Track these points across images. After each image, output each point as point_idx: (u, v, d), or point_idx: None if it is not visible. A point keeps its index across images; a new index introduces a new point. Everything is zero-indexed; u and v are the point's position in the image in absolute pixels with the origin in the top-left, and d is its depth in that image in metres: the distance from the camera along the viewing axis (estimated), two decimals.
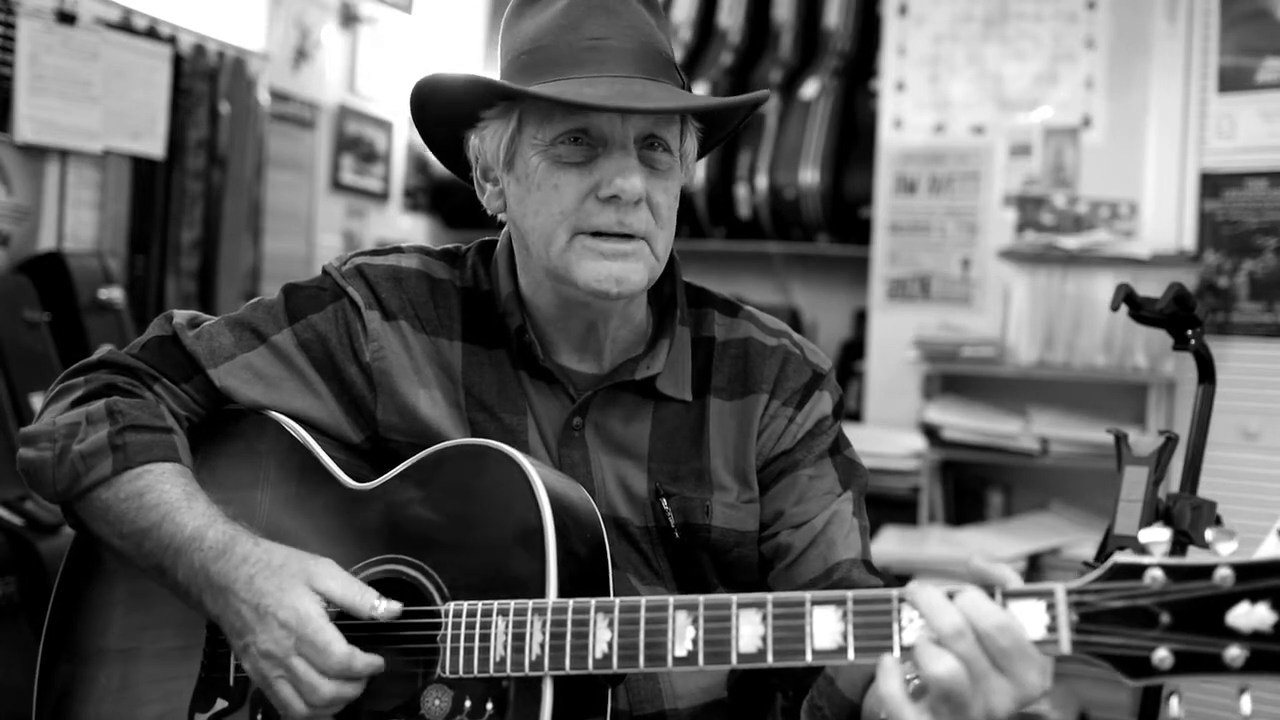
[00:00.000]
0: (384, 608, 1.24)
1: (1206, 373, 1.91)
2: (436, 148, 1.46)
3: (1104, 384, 4.01)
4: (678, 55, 1.48)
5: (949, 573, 3.64)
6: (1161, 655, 0.93)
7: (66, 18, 3.40)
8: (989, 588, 1.01)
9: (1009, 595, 1.00)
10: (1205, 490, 1.80)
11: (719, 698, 1.43)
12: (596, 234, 1.31)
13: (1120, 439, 1.77)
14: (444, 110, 1.39)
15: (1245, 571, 0.91)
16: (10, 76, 3.26)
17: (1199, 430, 1.86)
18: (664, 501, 1.40)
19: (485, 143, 1.38)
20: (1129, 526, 1.70)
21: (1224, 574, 0.91)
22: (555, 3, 1.33)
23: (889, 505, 4.06)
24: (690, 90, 1.39)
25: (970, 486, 4.28)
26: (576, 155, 1.31)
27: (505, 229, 1.46)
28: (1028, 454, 3.95)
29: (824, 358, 1.51)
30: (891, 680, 1.01)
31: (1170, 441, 1.75)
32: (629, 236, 1.31)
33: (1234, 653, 0.90)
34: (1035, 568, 3.72)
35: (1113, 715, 3.65)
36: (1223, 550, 0.92)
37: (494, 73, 1.41)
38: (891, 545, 3.87)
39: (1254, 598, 0.90)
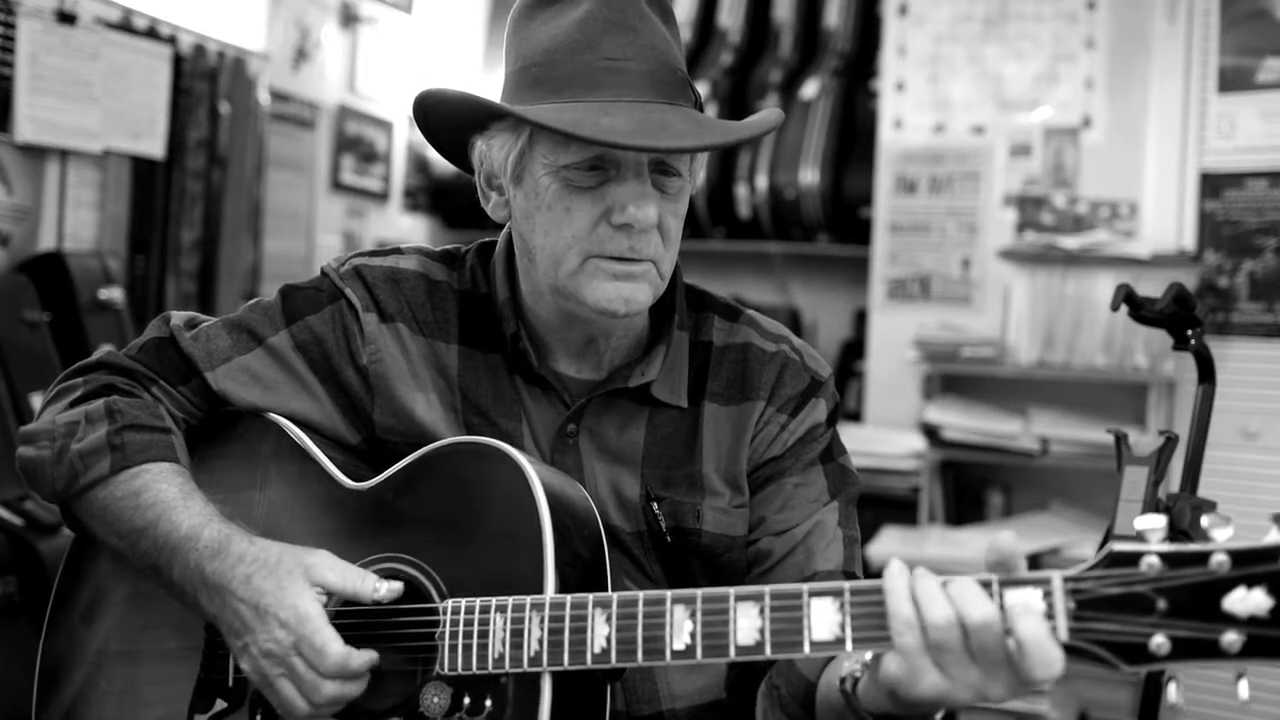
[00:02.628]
0: (385, 589, 1.24)
1: (1206, 373, 1.90)
2: (440, 147, 1.45)
3: (1104, 384, 4.01)
4: None
5: (949, 573, 3.63)
6: (1159, 641, 0.93)
7: (66, 18, 3.40)
8: (986, 583, 1.01)
9: (1005, 584, 1.00)
10: (1205, 490, 1.79)
11: (717, 698, 1.42)
12: (608, 256, 1.30)
13: (1120, 439, 1.77)
14: (450, 116, 1.38)
15: (1241, 557, 0.91)
16: (10, 76, 3.26)
17: (1199, 430, 1.86)
18: (654, 505, 1.40)
19: (493, 151, 1.36)
20: (1129, 526, 1.70)
21: (1220, 560, 0.91)
22: (571, 11, 1.30)
23: (889, 505, 4.06)
24: (701, 103, 1.37)
25: (970, 486, 4.28)
26: (589, 180, 1.29)
27: (505, 230, 1.46)
28: (1028, 454, 3.95)
29: (823, 364, 1.50)
30: (899, 579, 1.02)
31: (1170, 441, 1.74)
32: (638, 260, 1.31)
33: (1231, 638, 0.91)
34: (1035, 568, 3.70)
35: (1113, 715, 3.65)
36: (1219, 536, 0.92)
37: (498, 73, 1.40)
38: (891, 545, 3.87)
39: (1250, 583, 0.90)
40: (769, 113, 1.38)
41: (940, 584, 1.01)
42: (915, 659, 1.00)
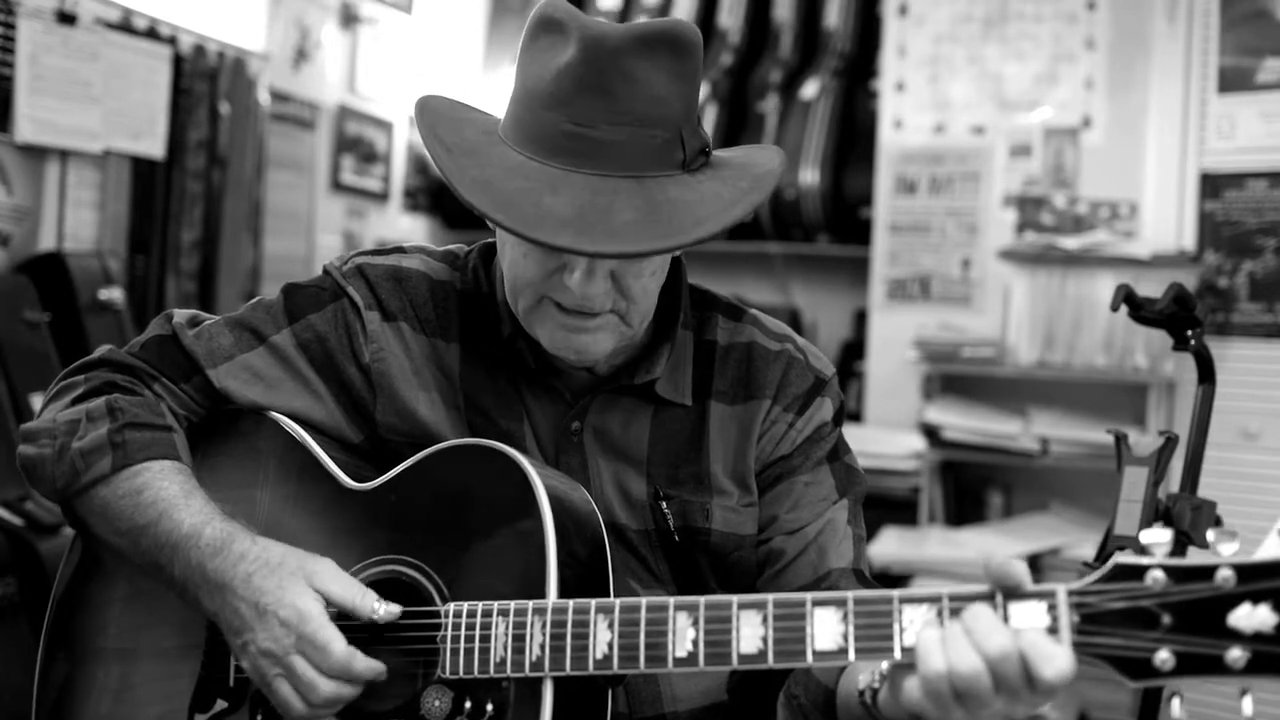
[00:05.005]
0: (384, 610, 1.23)
1: (1206, 373, 1.90)
2: None
3: (1104, 384, 4.02)
4: None
5: (949, 573, 3.64)
6: (1163, 656, 0.93)
7: (66, 18, 3.40)
8: (990, 595, 1.01)
9: (1009, 598, 1.00)
10: (1205, 490, 1.79)
11: (719, 700, 1.42)
12: (559, 306, 1.29)
13: (1120, 439, 1.77)
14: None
15: (1247, 573, 0.91)
16: (10, 77, 3.25)
17: (1199, 430, 1.86)
18: (664, 504, 1.40)
19: None
20: (1129, 527, 1.70)
21: (1225, 575, 0.91)
22: (560, 53, 1.24)
23: (889, 506, 4.06)
24: (704, 148, 1.29)
25: (970, 487, 4.28)
26: None
27: None
28: (1028, 454, 3.95)
29: (827, 363, 1.50)
30: (930, 630, 1.00)
31: (1170, 442, 1.75)
32: (591, 314, 1.28)
33: (1235, 654, 0.90)
34: (1035, 568, 3.72)
35: (1113, 715, 3.65)
36: (1224, 551, 0.92)
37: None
38: (891, 546, 3.87)
39: (1256, 599, 0.90)
40: (754, 184, 1.30)
41: (964, 630, 0.99)
42: (946, 705, 1.00)
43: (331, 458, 1.39)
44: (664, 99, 1.23)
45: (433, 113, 1.33)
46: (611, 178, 1.21)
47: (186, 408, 1.43)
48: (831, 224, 4.63)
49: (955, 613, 1.01)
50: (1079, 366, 3.93)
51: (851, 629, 1.04)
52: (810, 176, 4.57)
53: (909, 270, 4.41)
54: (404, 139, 5.07)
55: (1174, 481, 1.90)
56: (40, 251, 3.40)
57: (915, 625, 1.02)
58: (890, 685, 1.08)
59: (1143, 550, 0.96)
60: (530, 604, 1.18)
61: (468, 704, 1.21)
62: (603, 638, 1.14)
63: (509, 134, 1.28)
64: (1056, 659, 0.95)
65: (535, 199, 1.18)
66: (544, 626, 1.17)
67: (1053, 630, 0.97)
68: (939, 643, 0.99)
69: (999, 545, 3.73)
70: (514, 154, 1.25)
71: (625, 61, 1.21)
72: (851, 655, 1.03)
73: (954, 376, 4.22)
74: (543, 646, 1.16)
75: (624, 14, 5.05)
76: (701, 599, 1.11)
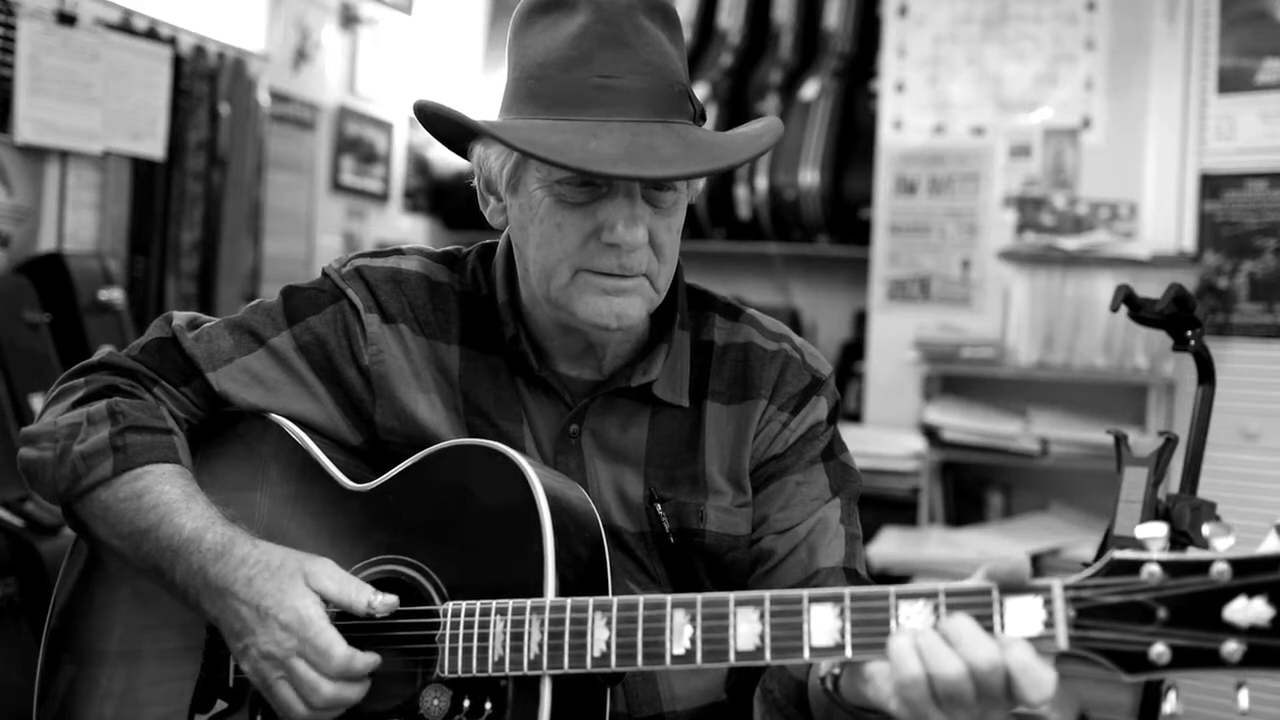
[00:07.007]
0: (379, 602, 1.24)
1: (1206, 373, 1.90)
2: (448, 144, 1.45)
3: (1104, 385, 4.02)
4: None
5: (949, 574, 3.64)
6: (1159, 650, 0.93)
7: (67, 19, 3.40)
8: (985, 590, 1.01)
9: (1005, 592, 1.00)
10: (1205, 491, 1.79)
11: (717, 700, 1.43)
12: (598, 272, 1.30)
13: (1120, 440, 1.77)
14: (448, 122, 1.38)
15: (1242, 566, 0.91)
16: (10, 78, 3.26)
17: (1199, 431, 1.86)
18: (658, 506, 1.40)
19: (490, 159, 1.36)
20: (1129, 527, 1.70)
21: (1221, 569, 0.91)
22: (567, 23, 1.29)
23: (889, 506, 4.06)
24: (702, 111, 1.35)
25: (970, 487, 4.28)
26: (580, 196, 1.29)
27: (505, 232, 1.46)
28: (1027, 455, 3.95)
29: (824, 362, 1.50)
30: (900, 636, 1.01)
31: (1170, 442, 1.74)
32: (629, 276, 1.31)
33: (1231, 647, 0.91)
34: (1035, 569, 3.70)
35: (1113, 715, 3.65)
36: (1220, 545, 0.92)
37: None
38: (891, 546, 3.87)
39: (1251, 592, 0.90)
40: (763, 129, 1.35)
41: (941, 638, 1.00)
42: (923, 708, 1.00)
43: (330, 459, 1.40)
44: (671, 55, 1.31)
45: (439, 104, 1.35)
46: (644, 122, 1.26)
47: (186, 410, 1.44)
48: (831, 224, 4.63)
49: (951, 608, 1.01)
50: (1079, 367, 3.93)
51: (848, 625, 1.04)
52: (810, 177, 4.57)
53: (909, 271, 4.41)
54: (404, 140, 5.07)
55: (1174, 482, 1.90)
56: (40, 252, 3.40)
57: (912, 621, 1.02)
58: (849, 673, 1.09)
59: (1141, 548, 0.96)
60: (528, 603, 1.19)
61: (466, 703, 1.21)
62: (600, 636, 1.14)
63: (525, 110, 1.30)
64: (1044, 686, 0.96)
65: (581, 145, 1.22)
66: (542, 625, 1.17)
67: (1049, 625, 0.97)
68: (913, 650, 1.00)
69: (999, 546, 3.73)
70: (540, 121, 1.27)
71: (636, 18, 1.28)
72: (849, 652, 1.04)
73: (954, 377, 4.22)
74: (541, 645, 1.17)
75: None
76: (699, 596, 1.11)
